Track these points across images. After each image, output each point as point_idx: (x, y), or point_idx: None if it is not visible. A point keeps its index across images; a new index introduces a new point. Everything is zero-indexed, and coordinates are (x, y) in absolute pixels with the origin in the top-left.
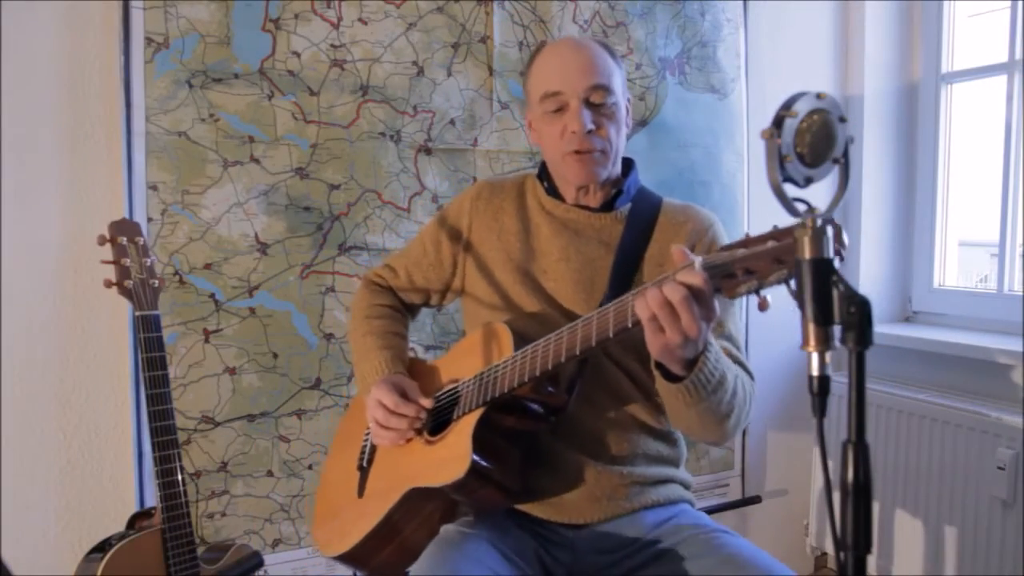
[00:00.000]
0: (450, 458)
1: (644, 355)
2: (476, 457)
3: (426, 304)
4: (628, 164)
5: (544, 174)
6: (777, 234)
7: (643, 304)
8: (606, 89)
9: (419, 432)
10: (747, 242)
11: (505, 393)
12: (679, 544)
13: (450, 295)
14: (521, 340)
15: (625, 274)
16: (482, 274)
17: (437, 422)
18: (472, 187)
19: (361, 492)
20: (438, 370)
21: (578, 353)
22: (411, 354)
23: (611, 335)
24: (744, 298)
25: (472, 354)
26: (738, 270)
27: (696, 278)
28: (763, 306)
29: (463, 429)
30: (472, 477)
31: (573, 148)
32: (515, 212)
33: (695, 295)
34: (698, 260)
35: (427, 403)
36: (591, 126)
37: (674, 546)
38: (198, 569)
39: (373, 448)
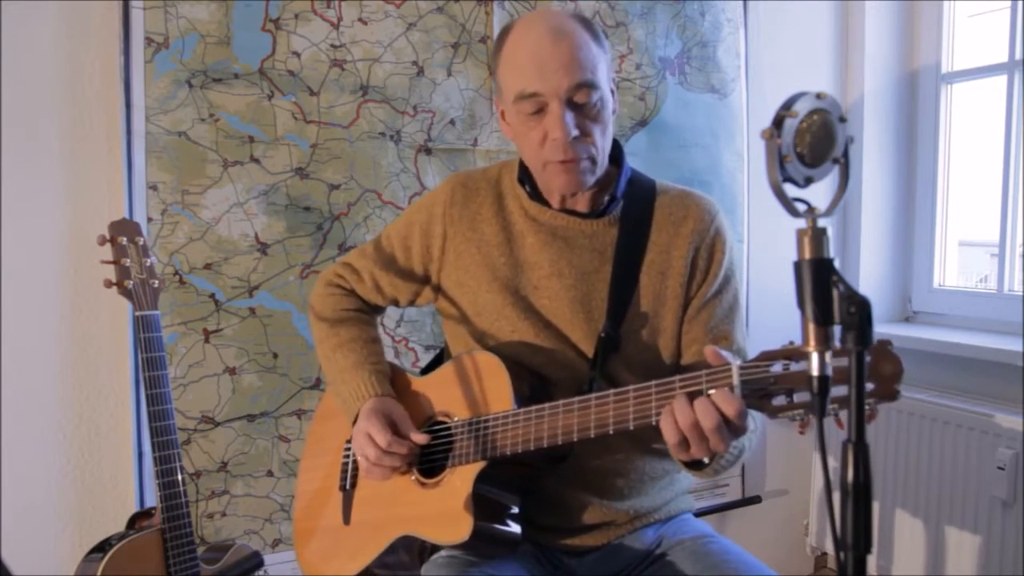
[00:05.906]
0: (448, 513)
1: (647, 376)
2: (477, 517)
3: (394, 305)
4: (616, 154)
5: (525, 177)
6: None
7: (671, 423)
8: (591, 86)
9: (408, 465)
10: (792, 352)
11: (507, 455)
12: (675, 554)
13: (421, 301)
14: (518, 380)
15: (624, 289)
16: (462, 291)
17: (427, 456)
18: (444, 187)
19: (347, 518)
20: (422, 392)
21: (592, 435)
22: (410, 355)
23: (631, 426)
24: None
25: (463, 385)
26: (780, 391)
27: (732, 406)
28: (803, 429)
29: (461, 483)
30: (473, 536)
31: (557, 158)
32: (494, 217)
33: (728, 422)
34: (736, 373)
35: (421, 439)
36: (576, 132)
37: (670, 557)
38: (198, 569)
39: (356, 467)
